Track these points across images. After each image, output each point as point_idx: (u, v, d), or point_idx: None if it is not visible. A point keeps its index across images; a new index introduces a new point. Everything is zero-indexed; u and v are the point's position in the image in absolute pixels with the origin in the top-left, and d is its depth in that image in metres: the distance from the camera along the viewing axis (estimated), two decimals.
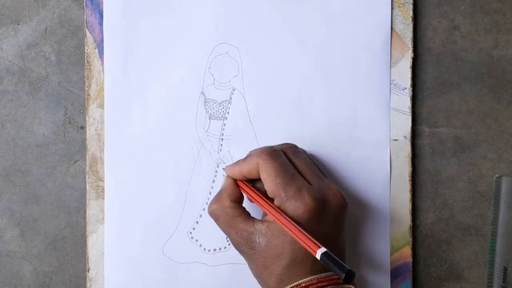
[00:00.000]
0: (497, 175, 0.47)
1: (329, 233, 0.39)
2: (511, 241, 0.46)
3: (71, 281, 0.47)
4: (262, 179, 0.40)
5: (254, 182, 0.42)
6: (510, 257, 0.46)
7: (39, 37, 0.47)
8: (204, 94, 0.47)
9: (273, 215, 0.38)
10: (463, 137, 0.47)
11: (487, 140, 0.47)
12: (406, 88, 0.47)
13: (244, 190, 0.42)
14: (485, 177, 0.47)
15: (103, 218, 0.46)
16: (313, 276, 0.37)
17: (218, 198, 0.41)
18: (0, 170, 0.47)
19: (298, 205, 0.38)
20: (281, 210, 0.38)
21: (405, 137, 0.47)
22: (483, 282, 0.47)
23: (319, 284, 0.37)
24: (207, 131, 0.47)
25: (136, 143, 0.46)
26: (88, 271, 0.46)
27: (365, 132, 0.46)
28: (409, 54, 0.46)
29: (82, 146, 0.47)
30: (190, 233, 0.46)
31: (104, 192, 0.46)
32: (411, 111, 0.47)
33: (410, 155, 0.47)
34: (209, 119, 0.47)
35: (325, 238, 0.38)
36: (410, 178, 0.47)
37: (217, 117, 0.47)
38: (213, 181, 0.47)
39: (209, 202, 0.46)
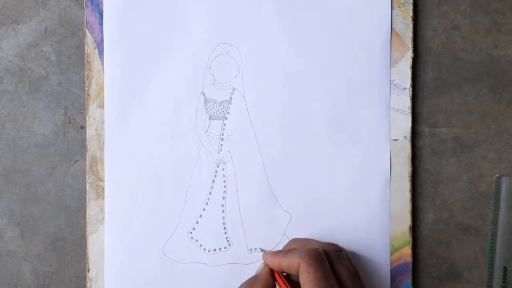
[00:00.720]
0: (497, 175, 0.47)
1: None
2: (511, 241, 0.46)
3: (71, 281, 0.47)
4: (301, 282, 0.38)
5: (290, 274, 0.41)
6: (510, 257, 0.46)
7: (39, 37, 0.47)
8: (204, 94, 0.47)
9: None
10: (463, 137, 0.47)
11: (487, 140, 0.47)
12: (406, 88, 0.47)
13: (278, 283, 0.41)
14: (485, 177, 0.47)
15: (103, 218, 0.46)
16: None
17: (251, 283, 0.40)
18: (0, 170, 0.47)
19: None
20: None
21: (405, 137, 0.47)
22: (483, 282, 0.47)
23: None
24: (207, 131, 0.47)
25: (136, 143, 0.46)
26: (88, 271, 0.46)
27: (365, 132, 0.46)
28: (409, 54, 0.46)
29: (82, 146, 0.47)
30: (190, 233, 0.47)
31: (104, 192, 0.46)
32: (411, 111, 0.47)
33: (410, 155, 0.47)
34: (209, 119, 0.47)
35: None
36: (410, 178, 0.47)
37: (217, 117, 0.47)
38: (213, 181, 0.47)
39: (209, 201, 0.46)
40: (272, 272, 0.41)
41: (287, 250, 0.41)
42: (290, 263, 0.39)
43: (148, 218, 0.46)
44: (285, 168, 0.46)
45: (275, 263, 0.40)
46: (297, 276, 0.39)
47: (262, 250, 0.45)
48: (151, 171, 0.46)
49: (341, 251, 0.42)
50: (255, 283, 0.40)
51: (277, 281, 0.41)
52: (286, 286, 0.40)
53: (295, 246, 0.42)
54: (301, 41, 0.46)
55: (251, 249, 0.46)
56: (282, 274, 0.41)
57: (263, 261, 0.42)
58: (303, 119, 0.46)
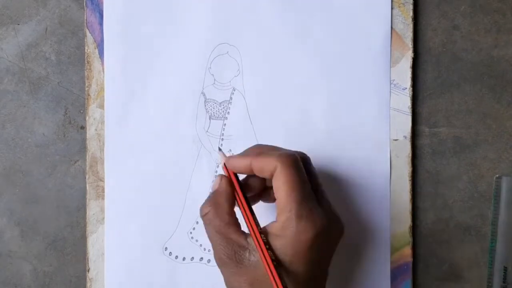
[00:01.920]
0: (497, 175, 0.47)
1: (324, 257, 0.38)
2: (511, 241, 0.46)
3: (71, 281, 0.47)
4: (275, 186, 0.36)
5: (249, 177, 0.39)
6: (510, 257, 0.46)
7: (39, 37, 0.47)
8: (204, 94, 0.47)
9: (256, 246, 0.36)
10: (463, 137, 0.47)
11: (487, 140, 0.47)
12: (406, 88, 0.47)
13: (236, 199, 0.38)
14: (485, 177, 0.47)
15: (103, 218, 0.46)
16: None
17: (214, 199, 0.38)
18: (0, 170, 0.47)
19: (307, 227, 0.35)
20: (287, 225, 0.35)
21: (405, 137, 0.47)
22: (483, 282, 0.47)
23: None
24: (207, 131, 0.47)
25: (136, 143, 0.46)
26: (88, 271, 0.46)
27: (365, 132, 0.46)
28: (409, 54, 0.46)
29: (82, 146, 0.47)
30: (190, 233, 0.47)
31: (104, 192, 0.46)
32: (411, 111, 0.47)
33: (410, 155, 0.47)
34: (209, 119, 0.47)
35: (318, 263, 0.36)
36: (410, 178, 0.47)
37: (217, 117, 0.47)
38: (213, 181, 0.47)
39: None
40: (232, 183, 0.38)
41: (259, 153, 0.38)
42: (264, 165, 0.36)
43: (148, 218, 0.46)
44: None
45: (242, 164, 0.37)
46: (260, 179, 0.38)
47: (220, 149, 0.41)
48: (151, 171, 0.46)
49: (308, 157, 0.40)
50: (218, 199, 0.38)
51: (236, 199, 0.38)
52: (245, 207, 0.37)
53: (261, 150, 0.39)
54: (301, 41, 0.46)
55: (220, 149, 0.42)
56: (241, 184, 0.39)
57: (218, 174, 0.39)
58: (303, 119, 0.46)
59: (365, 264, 0.46)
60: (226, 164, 0.39)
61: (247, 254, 0.36)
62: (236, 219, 0.38)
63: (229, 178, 0.39)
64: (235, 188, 0.38)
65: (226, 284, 0.38)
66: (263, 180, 0.40)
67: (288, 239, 0.35)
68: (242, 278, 0.36)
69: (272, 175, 0.36)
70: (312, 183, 0.38)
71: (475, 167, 0.47)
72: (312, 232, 0.35)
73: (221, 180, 0.39)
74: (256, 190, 0.40)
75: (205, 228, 0.38)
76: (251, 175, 0.39)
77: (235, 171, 0.39)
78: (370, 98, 0.46)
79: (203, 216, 0.38)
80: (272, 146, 0.40)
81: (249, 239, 0.36)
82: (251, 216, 0.37)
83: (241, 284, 0.36)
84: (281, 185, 0.36)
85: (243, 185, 0.39)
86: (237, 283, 0.36)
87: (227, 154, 0.41)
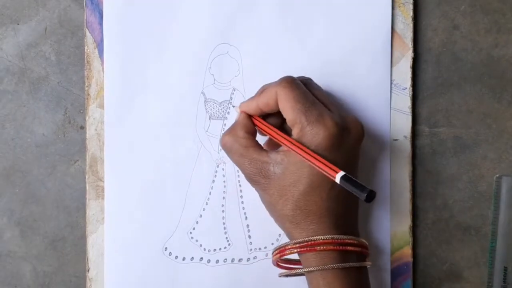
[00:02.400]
0: (497, 175, 0.47)
1: (346, 161, 0.39)
2: (511, 241, 0.46)
3: (71, 281, 0.47)
4: (281, 108, 0.39)
5: (266, 118, 0.42)
6: (510, 257, 0.46)
7: (39, 37, 0.47)
8: (204, 94, 0.47)
9: (289, 146, 0.38)
10: (463, 137, 0.47)
11: (487, 140, 0.47)
12: (406, 88, 0.47)
13: (258, 126, 0.41)
14: (485, 177, 0.47)
15: (103, 218, 0.46)
16: (329, 236, 0.38)
17: (231, 130, 0.41)
18: (0, 170, 0.47)
19: (319, 130, 0.38)
20: (302, 135, 0.38)
21: (405, 137, 0.47)
22: (483, 282, 0.47)
23: (336, 247, 0.37)
24: (207, 131, 0.47)
25: (136, 143, 0.46)
26: (88, 271, 0.46)
27: (365, 132, 0.46)
28: (409, 54, 0.46)
29: (82, 146, 0.47)
30: (190, 233, 0.46)
31: (104, 192, 0.46)
32: (411, 111, 0.47)
33: (410, 155, 0.47)
34: (209, 119, 0.47)
35: (342, 165, 0.37)
36: (410, 178, 0.47)
37: (217, 117, 0.47)
38: (213, 181, 0.47)
39: (209, 201, 0.46)
40: (250, 117, 0.42)
41: (262, 91, 0.41)
42: (267, 97, 0.40)
43: (148, 218, 0.46)
44: None
45: (252, 105, 0.41)
46: (275, 116, 0.41)
47: (234, 106, 0.45)
48: (151, 171, 0.46)
49: (311, 79, 0.43)
50: (234, 128, 0.41)
51: (257, 126, 0.41)
52: (264, 124, 0.41)
53: (263, 88, 0.42)
54: (301, 41, 0.46)
55: (233, 106, 0.46)
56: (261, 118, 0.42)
57: (239, 111, 0.42)
58: None
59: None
60: (240, 110, 0.42)
61: (272, 167, 0.39)
62: (255, 141, 0.41)
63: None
64: (253, 117, 0.41)
65: (261, 199, 0.41)
66: (282, 118, 0.41)
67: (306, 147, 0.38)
68: (272, 190, 0.39)
69: (277, 104, 0.39)
70: (317, 94, 0.41)
71: (475, 167, 0.47)
72: (325, 133, 0.37)
73: (239, 114, 0.42)
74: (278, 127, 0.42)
75: (229, 157, 0.41)
76: (269, 115, 0.42)
77: (251, 114, 0.42)
78: (370, 98, 0.46)
79: (223, 145, 0.41)
80: (273, 81, 0.42)
81: (271, 154, 0.39)
82: (273, 127, 0.40)
83: (272, 195, 0.39)
84: (284, 104, 0.39)
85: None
86: (268, 196, 0.39)
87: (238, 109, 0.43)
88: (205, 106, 0.47)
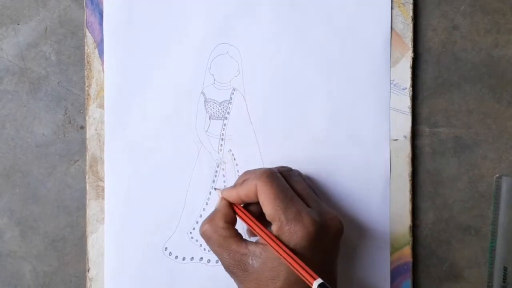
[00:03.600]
0: (497, 175, 0.47)
1: (325, 259, 0.39)
2: (511, 241, 0.46)
3: (71, 281, 0.47)
4: (261, 202, 0.39)
5: (248, 206, 0.42)
6: (510, 257, 0.46)
7: (39, 37, 0.47)
8: (204, 94, 0.47)
9: (268, 243, 0.38)
10: (463, 137, 0.47)
11: (487, 140, 0.47)
12: (406, 88, 0.47)
13: (239, 215, 0.41)
14: (485, 177, 0.47)
15: (103, 218, 0.46)
16: None
17: (210, 218, 0.41)
18: (0, 170, 0.47)
19: (298, 229, 0.37)
20: (280, 233, 0.37)
21: (405, 137, 0.47)
22: (483, 282, 0.47)
23: None
24: (207, 131, 0.47)
25: (136, 143, 0.46)
26: (88, 271, 0.46)
27: (365, 132, 0.46)
28: (409, 54, 0.46)
29: (82, 146, 0.47)
30: (190, 233, 0.47)
31: (104, 192, 0.46)
32: (411, 111, 0.47)
33: (410, 155, 0.47)
34: (209, 119, 0.47)
35: (321, 264, 0.37)
36: (410, 178, 0.47)
37: (217, 117, 0.47)
38: (213, 181, 0.47)
39: (209, 201, 0.46)
40: (231, 204, 0.41)
41: (243, 180, 0.41)
42: (247, 189, 0.39)
43: (148, 218, 0.46)
44: None
45: (233, 195, 0.41)
46: (256, 204, 0.40)
47: (216, 189, 0.45)
48: (151, 171, 0.46)
49: (292, 170, 0.43)
50: (214, 217, 0.41)
51: (237, 214, 0.41)
52: (245, 213, 0.41)
53: (245, 177, 0.41)
54: (301, 41, 0.46)
55: (215, 189, 0.46)
56: (242, 207, 0.41)
57: (220, 197, 0.42)
58: (303, 119, 0.46)
59: (365, 264, 0.46)
60: (221, 196, 0.42)
61: (250, 260, 0.38)
62: (235, 231, 0.40)
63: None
64: (234, 205, 0.41)
65: None
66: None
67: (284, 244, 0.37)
68: (249, 284, 0.38)
69: (257, 196, 0.39)
70: (297, 188, 0.40)
71: (475, 167, 0.47)
72: (303, 232, 0.37)
73: (221, 200, 0.42)
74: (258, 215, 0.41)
75: (208, 245, 0.41)
76: (250, 203, 0.42)
77: (232, 202, 0.41)
78: (370, 98, 0.46)
79: (202, 233, 0.41)
80: (254, 169, 0.42)
81: (250, 246, 0.39)
82: (253, 218, 0.40)
83: None
84: (264, 199, 0.38)
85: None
86: None
87: (221, 187, 0.45)
88: (205, 106, 0.47)
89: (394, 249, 0.46)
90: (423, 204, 0.47)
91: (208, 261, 0.46)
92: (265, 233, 0.38)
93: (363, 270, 0.46)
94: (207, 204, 0.46)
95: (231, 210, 0.41)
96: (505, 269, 0.46)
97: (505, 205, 0.46)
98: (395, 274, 0.46)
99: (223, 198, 0.41)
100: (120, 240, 0.46)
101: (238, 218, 0.41)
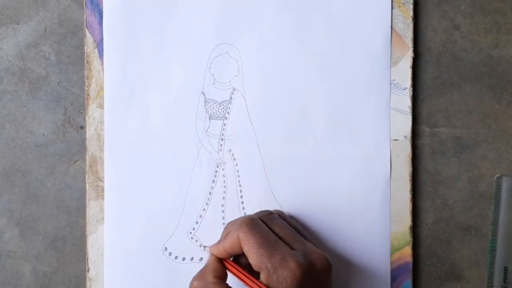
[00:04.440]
0: (497, 175, 0.47)
1: None
2: (511, 241, 0.46)
3: (71, 281, 0.47)
4: (245, 252, 0.39)
5: (238, 258, 0.42)
6: (510, 257, 0.46)
7: (39, 37, 0.47)
8: (204, 94, 0.47)
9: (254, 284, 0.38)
10: (463, 137, 0.47)
11: (487, 140, 0.47)
12: (406, 88, 0.47)
13: (228, 269, 0.41)
14: (485, 177, 0.47)
15: (103, 218, 0.46)
16: None
17: (200, 275, 0.41)
18: (0, 170, 0.47)
19: (286, 275, 0.37)
20: (269, 281, 0.38)
21: (405, 137, 0.47)
22: (483, 282, 0.47)
23: None
24: (207, 131, 0.47)
25: (136, 143, 0.46)
26: (88, 271, 0.46)
27: (365, 132, 0.46)
28: (409, 54, 0.46)
29: (82, 146, 0.47)
30: (190, 233, 0.46)
31: (104, 192, 0.46)
32: (411, 111, 0.47)
33: (410, 155, 0.47)
34: (209, 119, 0.47)
35: None
36: (410, 178, 0.47)
37: (217, 117, 0.47)
38: (213, 181, 0.47)
39: (209, 201, 0.46)
40: (220, 260, 0.41)
41: (226, 233, 0.41)
42: (231, 242, 0.40)
43: (148, 218, 0.46)
44: (285, 168, 0.46)
45: (219, 250, 0.41)
46: (245, 255, 0.40)
47: (205, 246, 0.45)
48: (151, 171, 0.46)
49: (272, 213, 0.43)
50: (204, 272, 0.41)
51: (228, 269, 0.41)
52: (235, 267, 0.41)
53: (228, 230, 0.42)
54: (301, 41, 0.46)
55: (204, 246, 0.46)
56: (231, 260, 0.42)
57: (209, 253, 0.42)
58: (303, 119, 0.46)
59: (365, 264, 0.46)
60: (210, 252, 0.42)
61: None
62: (225, 285, 0.40)
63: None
64: (224, 259, 0.41)
65: None
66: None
67: None
68: None
69: (241, 248, 0.39)
70: (279, 232, 0.41)
71: (475, 167, 0.47)
72: (292, 278, 0.37)
73: (211, 256, 0.42)
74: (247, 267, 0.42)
75: None
76: (239, 255, 0.42)
77: (221, 257, 0.41)
78: (370, 98, 0.46)
79: None
80: (236, 220, 0.42)
81: None
82: (243, 271, 0.40)
83: None
84: (248, 249, 0.39)
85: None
86: None
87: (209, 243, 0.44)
88: (205, 106, 0.47)
89: (394, 249, 0.46)
90: (423, 204, 0.47)
91: None
92: (256, 284, 0.38)
93: (363, 270, 0.46)
94: (207, 204, 0.46)
95: (220, 264, 0.41)
96: (505, 269, 0.46)
97: (505, 205, 0.46)
98: (395, 274, 0.46)
99: (211, 254, 0.42)
100: (119, 240, 0.46)
101: (228, 272, 0.41)
